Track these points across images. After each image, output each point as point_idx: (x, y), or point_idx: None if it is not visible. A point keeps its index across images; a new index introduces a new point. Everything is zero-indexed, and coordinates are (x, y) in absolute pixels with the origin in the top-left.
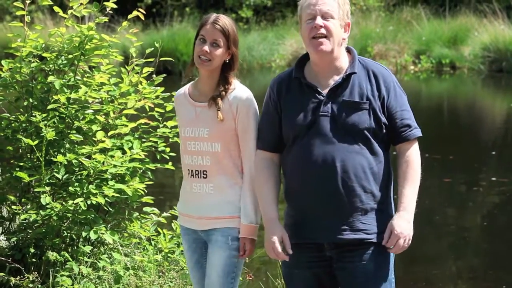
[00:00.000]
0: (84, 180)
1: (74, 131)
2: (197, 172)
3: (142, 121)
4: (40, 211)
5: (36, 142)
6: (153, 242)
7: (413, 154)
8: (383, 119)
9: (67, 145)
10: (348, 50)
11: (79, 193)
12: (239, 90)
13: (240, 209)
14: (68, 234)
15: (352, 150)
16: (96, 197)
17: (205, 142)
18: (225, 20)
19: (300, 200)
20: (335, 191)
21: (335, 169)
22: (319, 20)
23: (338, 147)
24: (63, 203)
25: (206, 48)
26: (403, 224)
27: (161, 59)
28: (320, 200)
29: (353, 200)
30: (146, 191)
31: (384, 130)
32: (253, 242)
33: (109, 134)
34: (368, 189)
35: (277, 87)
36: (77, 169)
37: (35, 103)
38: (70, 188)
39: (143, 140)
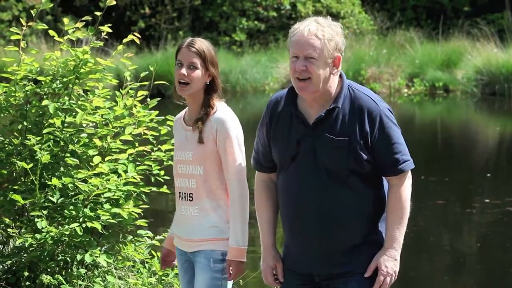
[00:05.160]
0: (79, 204)
1: (68, 155)
2: (184, 195)
3: (141, 148)
4: (36, 234)
5: (31, 165)
6: (147, 265)
7: (403, 189)
8: (365, 157)
9: (62, 169)
10: (340, 75)
11: (74, 217)
12: (220, 112)
13: (224, 231)
14: (63, 257)
15: (331, 189)
16: (93, 223)
17: (190, 165)
18: (200, 42)
19: (286, 230)
20: (312, 231)
21: (312, 209)
22: (299, 64)
23: (316, 185)
24: (59, 227)
25: (183, 71)
26: (390, 262)
27: (155, 82)
28: (298, 236)
29: (332, 240)
30: (141, 214)
31: (367, 166)
32: (240, 264)
33: (106, 159)
34: (348, 227)
35: (271, 109)
36: (72, 192)
37: (29, 126)
38: (66, 211)
39: (138, 163)
